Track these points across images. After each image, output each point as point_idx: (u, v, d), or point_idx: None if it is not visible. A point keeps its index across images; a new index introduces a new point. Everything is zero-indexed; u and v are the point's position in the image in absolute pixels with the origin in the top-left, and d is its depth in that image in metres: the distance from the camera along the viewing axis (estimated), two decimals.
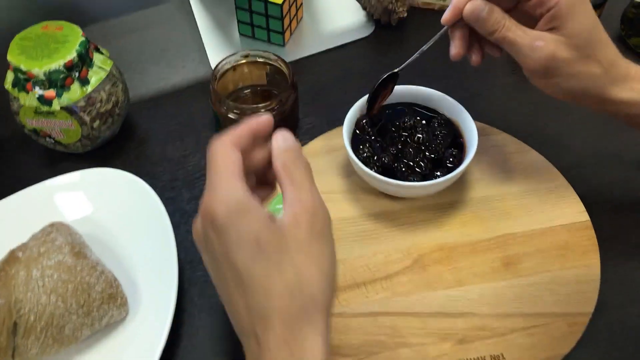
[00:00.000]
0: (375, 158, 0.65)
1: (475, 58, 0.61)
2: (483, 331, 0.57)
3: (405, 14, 0.83)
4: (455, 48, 0.60)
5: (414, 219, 0.65)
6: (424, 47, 0.62)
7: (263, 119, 0.46)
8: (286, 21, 0.80)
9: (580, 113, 0.75)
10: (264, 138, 0.46)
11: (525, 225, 0.64)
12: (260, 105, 0.69)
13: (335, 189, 0.68)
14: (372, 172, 0.62)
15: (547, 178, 0.68)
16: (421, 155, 0.65)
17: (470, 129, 0.64)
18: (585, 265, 0.61)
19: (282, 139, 0.44)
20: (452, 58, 0.60)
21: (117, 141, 0.74)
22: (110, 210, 0.65)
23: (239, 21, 0.82)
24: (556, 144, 0.72)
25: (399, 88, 0.68)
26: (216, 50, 0.82)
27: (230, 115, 0.70)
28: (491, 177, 0.68)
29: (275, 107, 0.70)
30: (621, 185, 0.68)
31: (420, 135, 0.66)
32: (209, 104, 0.75)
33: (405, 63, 0.63)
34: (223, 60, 0.72)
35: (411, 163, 0.64)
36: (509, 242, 0.63)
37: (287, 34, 0.82)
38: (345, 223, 0.65)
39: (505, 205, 0.66)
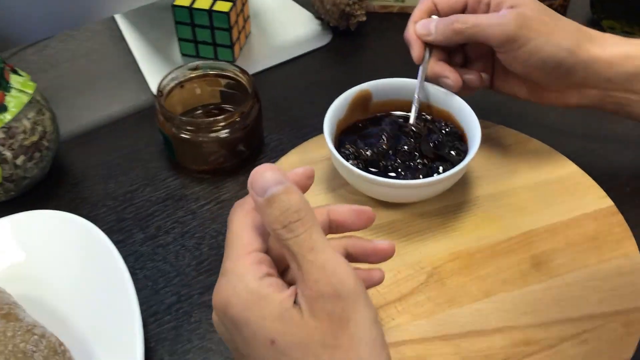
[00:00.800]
0: (362, 157, 0.55)
1: (475, 76, 0.57)
2: (528, 346, 0.47)
3: (365, 18, 0.75)
4: (451, 78, 0.56)
5: (418, 228, 0.55)
6: (417, 93, 0.58)
7: (298, 171, 0.39)
8: (234, 33, 0.71)
9: None
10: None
11: (546, 219, 0.55)
12: (219, 118, 0.58)
13: (320, 205, 0.57)
14: (360, 172, 0.52)
15: (557, 166, 0.60)
16: (416, 152, 0.55)
17: (468, 117, 0.56)
18: (623, 254, 0.53)
19: (266, 203, 0.33)
20: (455, 90, 0.57)
21: (47, 183, 0.61)
22: (47, 261, 0.52)
23: (179, 39, 0.72)
24: (556, 131, 0.65)
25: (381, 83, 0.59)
26: (156, 76, 0.72)
27: (184, 135, 0.59)
28: (495, 172, 0.59)
29: (237, 121, 0.59)
30: (634, 166, 0.61)
31: (414, 129, 0.56)
32: (155, 130, 0.64)
33: (413, 113, 0.58)
34: (168, 75, 0.62)
35: (405, 160, 0.55)
36: (532, 239, 0.54)
37: (237, 48, 0.73)
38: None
39: (518, 201, 0.57)
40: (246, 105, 0.59)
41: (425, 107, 0.59)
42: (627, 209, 0.56)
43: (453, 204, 0.56)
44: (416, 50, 0.56)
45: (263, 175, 0.33)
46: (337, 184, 0.59)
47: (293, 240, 0.32)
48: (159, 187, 0.61)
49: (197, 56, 0.73)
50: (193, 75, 0.63)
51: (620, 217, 0.55)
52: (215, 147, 0.60)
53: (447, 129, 0.57)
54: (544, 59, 0.51)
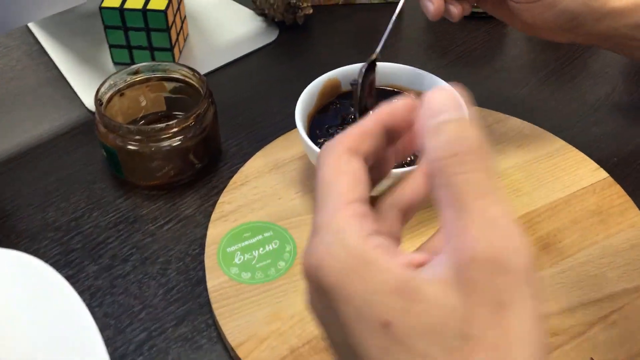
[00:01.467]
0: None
1: (455, 10, 0.50)
2: (557, 336, 0.42)
3: (311, 10, 0.70)
4: (434, 3, 0.49)
5: (409, 223, 0.50)
6: (391, 23, 0.50)
7: (400, 103, 0.27)
8: (173, 34, 0.64)
9: (546, 71, 0.66)
10: (403, 132, 0.28)
11: (544, 198, 0.51)
12: (171, 123, 0.51)
13: (298, 210, 0.51)
14: None
15: (543, 142, 0.56)
16: None
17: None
18: (630, 225, 0.49)
19: (436, 128, 0.25)
20: (432, 17, 0.49)
21: None
22: None
23: (111, 46, 0.64)
24: (531, 108, 0.61)
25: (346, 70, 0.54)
26: (88, 89, 0.63)
27: (131, 146, 0.51)
28: None
29: (192, 125, 0.52)
30: (618, 133, 0.59)
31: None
32: (94, 146, 0.56)
33: (380, 45, 0.50)
34: (105, 82, 0.54)
35: None
36: (534, 220, 0.50)
37: (177, 50, 0.66)
38: None
39: (511, 182, 0.53)
40: (201, 106, 0.52)
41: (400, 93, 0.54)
42: (619, 179, 0.53)
43: None
44: None
45: (439, 96, 0.25)
46: (314, 184, 0.52)
47: (463, 176, 0.23)
48: (107, 210, 0.53)
49: (133, 63, 0.65)
50: (135, 80, 0.56)
51: (618, 188, 0.52)
52: (168, 157, 0.52)
53: None
54: (559, 12, 0.47)
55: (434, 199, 0.24)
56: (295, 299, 0.45)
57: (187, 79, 0.56)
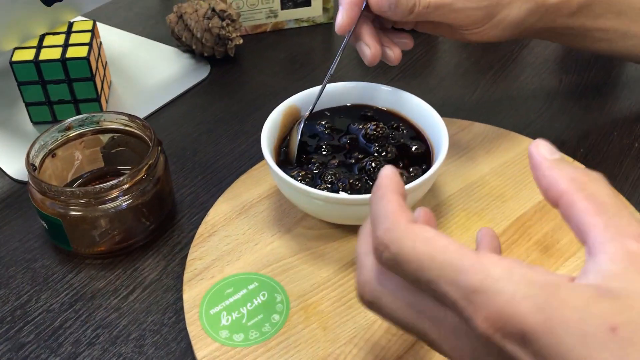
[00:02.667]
0: (310, 176, 0.45)
1: (395, 53, 0.47)
2: None
3: (241, 40, 0.66)
4: (371, 49, 0.46)
5: None
6: (333, 68, 0.48)
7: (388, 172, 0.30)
8: (98, 82, 0.58)
9: (492, 72, 0.65)
10: None
11: (530, 200, 0.49)
12: (122, 179, 0.45)
13: (281, 254, 0.46)
14: (325, 193, 0.42)
15: (511, 143, 0.54)
16: (373, 163, 0.46)
17: (424, 113, 0.48)
18: None
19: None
20: (370, 63, 0.46)
21: None
22: None
23: (27, 105, 0.57)
24: (489, 110, 0.60)
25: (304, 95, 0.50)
26: (9, 157, 0.56)
27: (76, 212, 0.44)
28: (455, 165, 0.52)
29: (144, 177, 0.46)
30: (578, 123, 0.58)
31: (362, 140, 0.48)
32: (28, 218, 0.49)
33: (333, 66, 0.47)
34: (34, 143, 0.47)
35: (364, 174, 0.46)
36: (527, 225, 0.47)
37: (103, 100, 0.59)
38: (321, 290, 0.43)
39: (491, 189, 0.50)
40: (151, 156, 0.47)
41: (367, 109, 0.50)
42: (593, 168, 0.52)
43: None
44: (347, 17, 0.45)
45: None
46: (291, 223, 0.48)
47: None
48: (58, 289, 0.46)
49: (55, 121, 0.58)
50: (67, 136, 0.49)
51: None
52: (120, 218, 0.46)
53: (402, 129, 0.49)
54: (506, 26, 0.47)
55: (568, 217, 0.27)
56: (300, 355, 0.40)
57: (127, 129, 0.50)
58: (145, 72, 0.65)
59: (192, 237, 0.48)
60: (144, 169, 0.46)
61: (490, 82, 0.64)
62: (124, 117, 0.49)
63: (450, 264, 0.24)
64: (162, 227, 0.49)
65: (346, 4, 0.45)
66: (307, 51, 0.70)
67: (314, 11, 0.72)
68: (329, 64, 0.67)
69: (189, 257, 0.46)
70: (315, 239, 0.46)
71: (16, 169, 0.54)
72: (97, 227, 0.46)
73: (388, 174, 0.30)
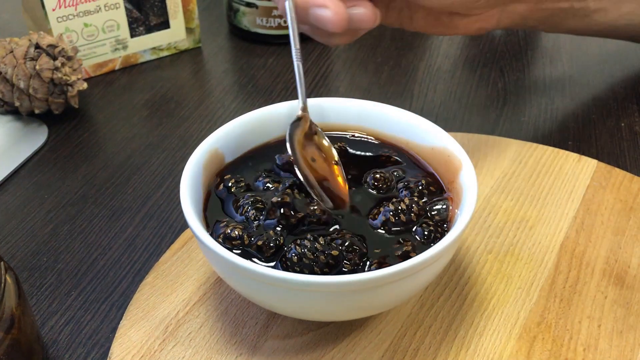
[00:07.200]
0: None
1: (367, 8, 0.34)
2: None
3: (85, 85, 0.46)
4: (330, 7, 0.32)
5: (417, 341, 0.30)
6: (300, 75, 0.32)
7: None
8: None
9: (432, 68, 0.53)
10: None
11: (563, 216, 0.36)
12: None
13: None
14: (294, 276, 0.25)
15: (499, 149, 0.41)
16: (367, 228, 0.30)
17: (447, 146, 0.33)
18: None
19: None
20: (333, 27, 0.33)
21: None
22: None
23: None
24: (455, 116, 0.47)
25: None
26: None
27: None
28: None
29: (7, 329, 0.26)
30: (559, 116, 0.47)
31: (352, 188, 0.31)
32: None
33: (301, 100, 0.31)
34: None
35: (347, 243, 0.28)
36: (577, 251, 0.34)
37: None
38: None
39: (507, 213, 0.36)
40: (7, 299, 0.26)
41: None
42: (595, 148, 0.41)
43: (447, 274, 0.33)
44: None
45: None
46: (253, 335, 0.30)
47: None
48: None
49: None
50: None
51: (617, 170, 0.39)
52: None
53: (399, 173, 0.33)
54: None
55: None
56: None
57: None
58: None
59: None
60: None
61: (446, 87, 0.51)
62: None
63: None
64: None
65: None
66: (178, 86, 0.52)
67: (175, 34, 0.54)
68: (215, 93, 0.51)
69: None
70: (302, 351, 0.29)
71: None
72: None
73: None
